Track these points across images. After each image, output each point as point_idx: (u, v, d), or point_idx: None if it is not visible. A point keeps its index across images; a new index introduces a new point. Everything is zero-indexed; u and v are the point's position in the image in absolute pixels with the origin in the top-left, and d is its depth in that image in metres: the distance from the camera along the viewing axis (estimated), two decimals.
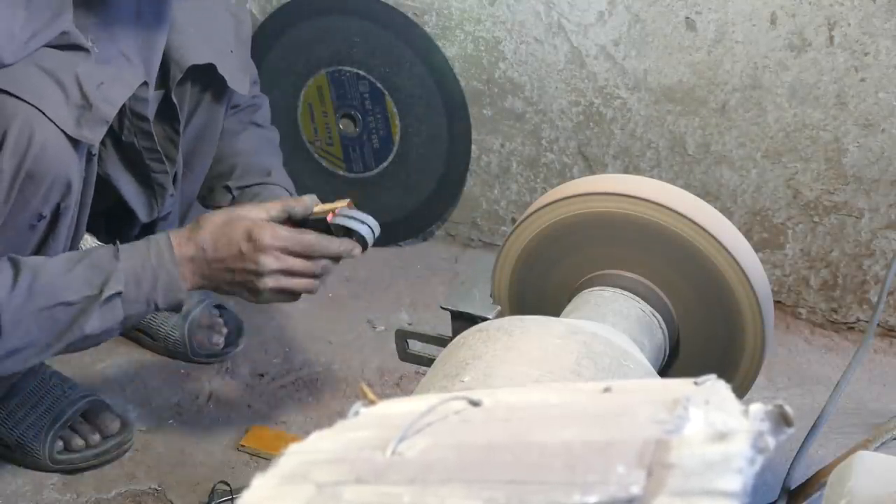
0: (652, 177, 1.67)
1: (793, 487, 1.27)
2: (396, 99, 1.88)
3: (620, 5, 1.66)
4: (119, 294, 1.11)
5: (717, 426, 0.47)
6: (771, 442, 0.47)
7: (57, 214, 1.14)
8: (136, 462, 1.46)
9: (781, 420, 0.49)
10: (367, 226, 1.22)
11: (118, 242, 1.15)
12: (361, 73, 1.88)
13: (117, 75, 1.16)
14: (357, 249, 1.23)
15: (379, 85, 1.88)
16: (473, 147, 1.89)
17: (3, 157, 1.06)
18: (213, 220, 1.16)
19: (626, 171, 1.76)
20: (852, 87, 1.55)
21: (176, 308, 1.18)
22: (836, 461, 1.22)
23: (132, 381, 1.61)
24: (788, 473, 1.27)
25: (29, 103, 1.06)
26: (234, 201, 1.39)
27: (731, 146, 1.68)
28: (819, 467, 1.28)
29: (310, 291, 1.23)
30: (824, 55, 1.55)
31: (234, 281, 1.19)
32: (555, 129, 1.81)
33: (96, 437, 1.45)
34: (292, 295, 1.23)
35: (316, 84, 1.92)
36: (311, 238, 1.19)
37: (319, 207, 1.23)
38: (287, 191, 1.40)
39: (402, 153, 1.93)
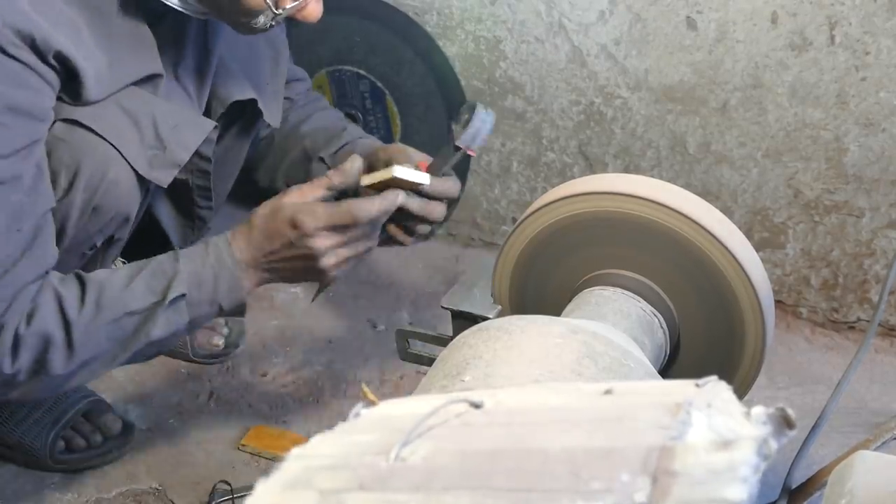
0: (652, 176, 1.66)
1: (793, 487, 1.27)
2: (397, 98, 1.88)
3: (621, 5, 1.66)
4: (183, 296, 1.11)
5: (721, 431, 0.46)
6: (774, 445, 0.47)
7: (109, 244, 1.16)
8: (136, 462, 1.46)
9: (783, 423, 0.49)
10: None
11: (176, 248, 1.15)
12: (362, 72, 1.88)
13: (191, 118, 1.18)
14: (425, 180, 1.17)
15: (379, 84, 1.88)
16: None
17: (76, 189, 1.08)
18: (261, 215, 1.15)
19: (626, 170, 1.76)
20: (853, 86, 1.55)
21: (240, 311, 1.16)
22: (836, 461, 1.22)
23: (133, 381, 1.61)
24: (789, 473, 1.27)
25: (107, 140, 1.08)
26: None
27: (732, 145, 1.68)
28: (820, 467, 1.28)
29: (371, 248, 1.19)
30: (825, 54, 1.55)
31: (295, 268, 1.17)
32: (555, 128, 1.81)
33: (97, 437, 1.45)
34: (358, 259, 1.19)
35: (316, 83, 1.92)
36: (351, 205, 1.13)
37: (368, 178, 1.16)
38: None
39: None
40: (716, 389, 0.54)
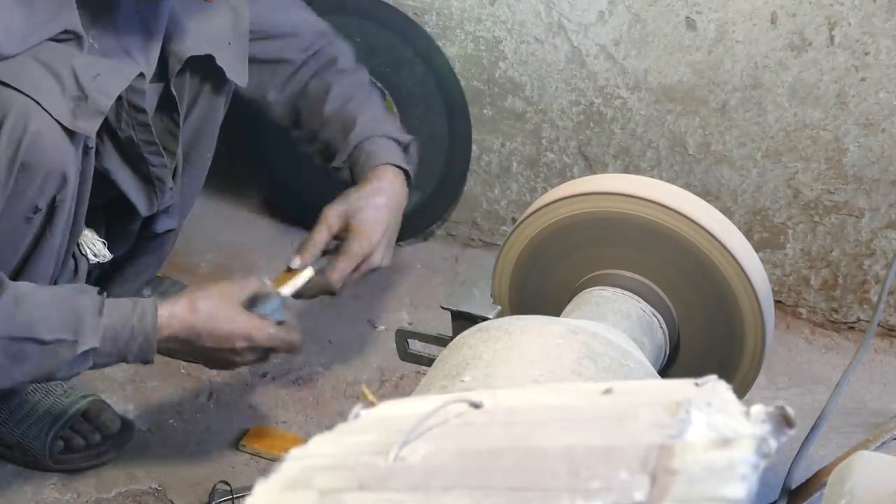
0: (652, 176, 1.67)
1: (793, 487, 1.27)
2: (397, 98, 1.87)
3: (621, 5, 1.66)
4: (94, 349, 1.12)
5: (720, 430, 0.46)
6: (773, 444, 0.47)
7: (53, 207, 1.14)
8: (136, 462, 1.45)
9: (783, 421, 0.49)
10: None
11: (105, 295, 1.15)
12: None
13: (114, 67, 1.17)
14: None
15: (379, 84, 1.87)
16: (474, 147, 1.89)
17: None
18: (214, 311, 1.18)
19: (626, 170, 1.76)
20: (852, 86, 1.55)
21: (145, 363, 1.21)
22: (836, 461, 1.22)
23: (132, 381, 1.61)
24: (789, 473, 1.27)
25: (25, 94, 1.07)
26: (351, 175, 1.42)
27: (732, 146, 1.68)
28: (819, 467, 1.28)
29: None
30: (824, 55, 1.55)
31: (205, 360, 1.25)
32: (555, 128, 1.81)
33: (97, 437, 1.44)
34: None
35: None
36: (296, 337, 1.25)
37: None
38: (391, 138, 1.44)
39: None
40: (715, 388, 0.54)
